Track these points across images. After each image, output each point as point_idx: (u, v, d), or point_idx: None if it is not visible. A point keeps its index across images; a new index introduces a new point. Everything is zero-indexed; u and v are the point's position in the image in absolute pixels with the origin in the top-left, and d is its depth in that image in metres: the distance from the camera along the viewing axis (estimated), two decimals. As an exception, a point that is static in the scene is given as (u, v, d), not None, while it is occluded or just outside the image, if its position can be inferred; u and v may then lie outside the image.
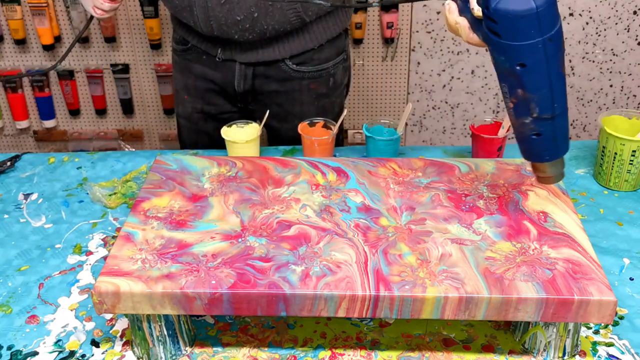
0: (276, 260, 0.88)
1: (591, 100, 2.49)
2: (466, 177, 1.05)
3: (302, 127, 1.29)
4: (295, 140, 1.44)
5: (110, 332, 0.97)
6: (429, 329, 0.96)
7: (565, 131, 0.88)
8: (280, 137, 1.50)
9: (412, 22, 2.33)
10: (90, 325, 0.99)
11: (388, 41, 2.34)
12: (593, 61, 2.41)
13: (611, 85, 2.46)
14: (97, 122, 2.53)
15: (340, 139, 1.59)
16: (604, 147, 1.23)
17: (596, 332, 0.95)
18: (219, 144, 1.39)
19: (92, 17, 1.30)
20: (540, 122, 0.85)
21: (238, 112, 1.51)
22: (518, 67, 0.81)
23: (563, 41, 0.81)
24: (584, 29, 2.34)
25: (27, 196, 1.28)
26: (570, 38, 2.36)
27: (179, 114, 1.56)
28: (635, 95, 2.49)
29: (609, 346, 0.93)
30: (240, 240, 0.92)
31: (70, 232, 1.18)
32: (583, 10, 2.31)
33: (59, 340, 0.96)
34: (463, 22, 0.89)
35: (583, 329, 0.95)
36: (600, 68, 2.42)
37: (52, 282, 1.07)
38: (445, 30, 2.35)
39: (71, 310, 1.01)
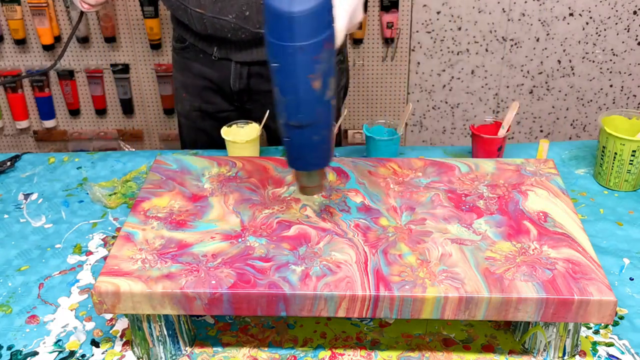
0: (276, 260, 0.88)
1: (591, 100, 2.49)
2: (466, 177, 1.05)
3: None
4: None
5: (110, 332, 0.97)
6: (429, 329, 0.96)
7: (316, 146, 0.85)
8: (276, 136, 1.50)
9: (412, 22, 2.33)
10: (90, 325, 0.99)
11: (388, 41, 2.34)
12: (593, 61, 2.41)
13: (611, 85, 2.46)
14: (97, 122, 2.53)
15: (339, 140, 1.59)
16: (604, 147, 1.23)
17: (596, 332, 0.95)
18: (218, 142, 1.39)
19: (82, 12, 1.30)
20: (288, 128, 0.84)
21: (235, 110, 1.51)
22: (273, 65, 0.80)
23: (324, 62, 0.79)
24: (584, 29, 2.34)
25: (27, 196, 1.28)
26: (570, 38, 2.36)
27: (179, 112, 1.57)
28: (635, 95, 2.49)
29: (609, 346, 0.93)
30: (240, 240, 0.92)
31: (70, 232, 1.18)
32: (583, 10, 2.31)
33: (59, 340, 0.96)
34: None
35: (583, 329, 0.95)
36: (600, 68, 2.42)
37: (52, 282, 1.06)
38: (446, 31, 2.35)
39: (71, 310, 1.01)
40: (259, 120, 1.32)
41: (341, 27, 0.85)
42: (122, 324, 0.98)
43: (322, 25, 0.78)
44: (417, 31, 2.36)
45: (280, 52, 0.78)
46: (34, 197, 1.27)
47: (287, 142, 0.86)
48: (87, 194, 1.28)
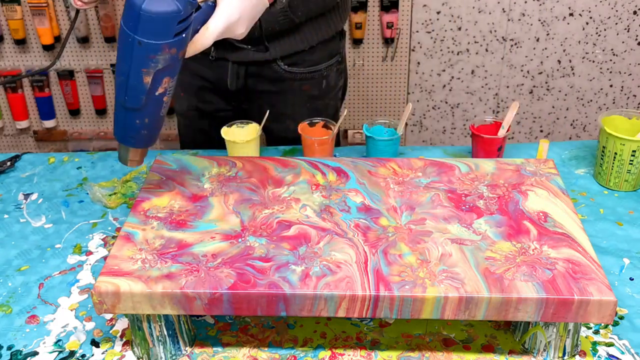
0: (276, 260, 0.88)
1: (591, 100, 2.49)
2: (466, 177, 1.05)
3: (302, 127, 1.29)
4: (287, 140, 1.44)
5: (110, 332, 0.97)
6: (429, 329, 0.96)
7: (136, 128, 0.91)
8: (273, 137, 1.50)
9: (412, 22, 2.33)
10: (90, 325, 0.99)
11: (388, 41, 2.34)
12: (593, 61, 2.41)
13: (611, 85, 2.46)
14: (97, 122, 2.53)
15: (338, 140, 1.59)
16: (604, 147, 1.23)
17: (596, 332, 0.95)
18: (216, 142, 1.39)
19: (77, 10, 1.30)
20: (117, 103, 0.90)
21: (232, 110, 1.51)
22: (118, 45, 0.86)
23: (159, 62, 0.84)
24: (584, 29, 2.34)
25: (27, 196, 1.28)
26: (570, 38, 2.36)
27: (177, 111, 1.57)
28: (635, 95, 2.49)
29: (609, 346, 0.93)
30: (240, 240, 0.92)
31: (70, 232, 1.18)
32: (583, 10, 2.31)
33: (59, 340, 0.96)
34: None
35: (583, 329, 0.95)
36: (600, 68, 2.42)
37: (52, 282, 1.06)
38: (446, 31, 2.35)
39: (71, 310, 1.01)
40: (256, 120, 1.32)
41: (213, 31, 0.90)
42: (122, 324, 0.98)
43: (166, 33, 0.83)
44: (417, 31, 2.36)
45: (123, 37, 0.84)
46: (34, 197, 1.27)
47: (115, 114, 0.93)
48: (87, 194, 1.28)
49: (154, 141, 0.96)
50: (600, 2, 2.29)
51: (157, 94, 0.88)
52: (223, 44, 1.37)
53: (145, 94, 0.87)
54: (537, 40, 2.37)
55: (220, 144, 1.34)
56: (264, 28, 1.31)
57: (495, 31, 2.35)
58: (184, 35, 0.85)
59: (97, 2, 1.29)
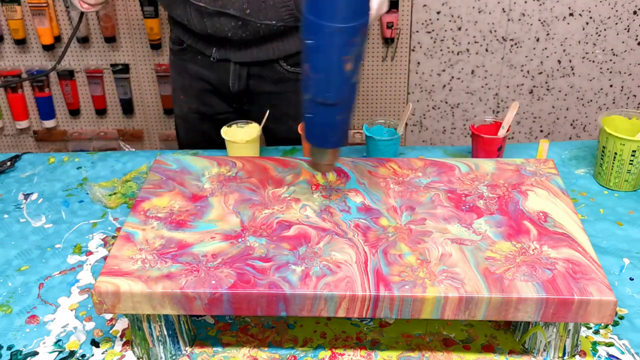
0: (276, 260, 0.88)
1: (591, 100, 2.49)
2: (466, 177, 1.05)
3: (302, 127, 1.29)
4: (290, 141, 1.44)
5: (110, 332, 0.97)
6: (429, 329, 0.96)
7: (336, 125, 0.89)
8: (275, 138, 1.50)
9: (412, 22, 2.33)
10: (90, 325, 0.99)
11: (388, 41, 2.34)
12: (593, 61, 2.41)
13: (611, 85, 2.46)
14: (97, 122, 2.53)
15: None
16: (604, 147, 1.23)
17: (596, 332, 0.95)
18: (216, 144, 1.38)
19: (82, 12, 1.30)
20: (313, 105, 0.87)
21: (234, 112, 1.50)
22: (307, 41, 0.83)
23: (358, 45, 0.83)
24: (584, 29, 2.34)
25: (27, 196, 1.28)
26: (570, 38, 2.36)
27: (176, 114, 1.56)
28: (635, 95, 2.49)
29: (609, 346, 0.93)
30: (240, 240, 0.92)
31: (70, 232, 1.18)
32: (583, 10, 2.31)
33: (59, 340, 0.96)
34: None
35: (583, 329, 0.95)
36: (600, 68, 2.42)
37: (52, 282, 1.06)
38: (446, 31, 2.35)
39: (71, 310, 1.01)
40: (258, 122, 1.32)
41: (372, 16, 0.90)
42: (122, 324, 0.98)
43: (362, 11, 0.81)
44: (417, 31, 2.36)
45: (318, 31, 0.81)
46: (34, 197, 1.27)
47: (309, 119, 0.89)
48: (87, 194, 1.28)
49: (348, 138, 0.93)
50: (600, 2, 2.29)
51: (354, 81, 0.86)
52: (225, 44, 1.37)
53: (347, 82, 0.85)
54: (537, 40, 2.37)
55: (220, 146, 1.34)
56: (269, 27, 1.31)
57: (495, 31, 2.35)
58: (369, 10, 0.83)
59: (102, 4, 1.29)
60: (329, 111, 0.87)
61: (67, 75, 2.40)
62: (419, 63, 2.42)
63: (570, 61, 2.41)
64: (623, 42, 2.37)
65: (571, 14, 2.32)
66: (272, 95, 1.44)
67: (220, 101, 1.48)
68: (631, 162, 1.20)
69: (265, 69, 1.40)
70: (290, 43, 1.36)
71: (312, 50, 0.83)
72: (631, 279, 1.04)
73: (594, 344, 0.93)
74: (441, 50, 2.39)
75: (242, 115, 1.50)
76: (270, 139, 1.52)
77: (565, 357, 0.91)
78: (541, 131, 2.56)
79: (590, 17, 2.32)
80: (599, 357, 0.91)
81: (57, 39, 2.33)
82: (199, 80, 1.45)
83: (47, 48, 2.31)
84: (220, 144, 1.32)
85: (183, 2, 1.30)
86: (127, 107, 2.47)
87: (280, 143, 1.48)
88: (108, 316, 1.00)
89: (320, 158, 0.94)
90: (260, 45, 1.36)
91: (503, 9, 2.31)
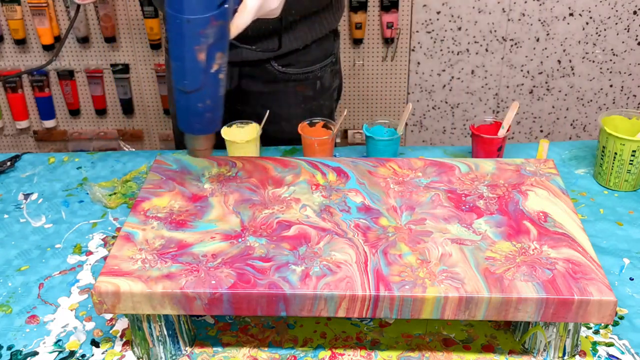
0: (276, 260, 0.88)
1: (591, 100, 2.49)
2: (466, 177, 1.05)
3: (302, 127, 1.29)
4: (282, 142, 1.44)
5: (110, 332, 0.97)
6: (429, 329, 0.96)
7: (200, 112, 0.94)
8: (268, 138, 1.50)
9: (412, 22, 2.33)
10: (90, 325, 0.99)
11: (388, 41, 2.34)
12: (593, 61, 2.41)
13: (611, 85, 2.46)
14: (97, 122, 2.53)
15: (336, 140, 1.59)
16: (604, 147, 1.23)
17: (596, 332, 0.95)
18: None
19: (78, 5, 1.29)
20: (177, 91, 0.93)
21: (226, 112, 1.50)
22: (167, 32, 0.90)
23: (209, 37, 0.87)
24: (584, 29, 2.34)
25: (27, 196, 1.28)
26: (570, 38, 2.36)
27: (172, 114, 1.57)
28: (635, 95, 2.49)
29: (609, 346, 0.93)
30: (240, 240, 0.92)
31: (70, 232, 1.18)
32: (583, 10, 2.31)
33: (59, 340, 0.96)
34: None
35: (583, 329, 0.95)
36: (600, 68, 2.42)
37: (52, 282, 1.07)
38: (446, 31, 2.35)
39: (71, 310, 1.01)
40: (251, 121, 1.32)
41: (251, 9, 0.93)
42: (122, 324, 0.98)
43: (211, 5, 0.86)
44: (417, 31, 2.36)
45: (172, 22, 0.87)
46: (34, 197, 1.27)
47: (177, 106, 0.94)
48: (87, 194, 1.28)
49: (218, 125, 0.97)
50: (600, 2, 2.29)
51: (212, 71, 0.91)
52: None
53: (202, 72, 0.90)
54: (537, 40, 2.37)
55: (216, 146, 1.33)
56: (257, 27, 1.31)
57: (495, 31, 2.35)
58: (226, 5, 0.88)
59: None
60: (189, 98, 0.92)
61: (67, 75, 2.40)
62: (419, 63, 2.42)
63: (570, 61, 2.41)
64: (623, 42, 2.37)
65: (571, 14, 2.32)
66: (264, 96, 1.43)
67: None
68: (631, 162, 1.20)
69: (257, 69, 1.40)
70: (277, 43, 1.35)
71: (169, 40, 0.89)
72: (631, 279, 1.04)
73: (594, 344, 0.93)
74: (441, 50, 2.39)
75: (234, 114, 1.49)
76: (262, 139, 1.52)
77: (565, 357, 0.91)
78: (541, 131, 2.56)
79: (590, 17, 2.32)
80: (599, 357, 0.91)
81: (57, 39, 2.33)
82: None
83: (47, 48, 2.31)
84: (215, 143, 1.32)
85: None
86: (127, 107, 2.47)
87: (272, 143, 1.47)
88: (108, 316, 1.00)
89: (193, 144, 0.98)
90: (248, 45, 1.35)
91: (503, 9, 2.31)
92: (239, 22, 0.94)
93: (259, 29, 1.31)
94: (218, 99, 0.95)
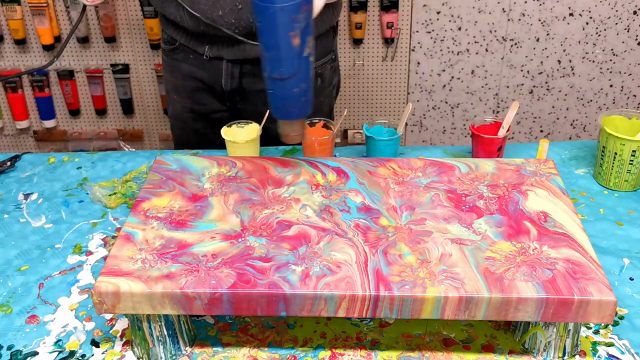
0: (276, 260, 0.88)
1: (591, 100, 2.49)
2: (466, 177, 1.05)
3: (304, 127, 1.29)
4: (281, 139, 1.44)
5: (110, 332, 0.97)
6: (429, 329, 0.96)
7: (296, 97, 0.98)
8: (268, 136, 1.50)
9: (412, 22, 2.33)
10: (90, 325, 0.99)
11: (388, 41, 2.34)
12: (593, 61, 2.41)
13: (611, 85, 2.46)
14: (97, 122, 2.53)
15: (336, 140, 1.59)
16: (604, 147, 1.23)
17: (596, 332, 0.95)
18: (211, 142, 1.38)
19: (85, 6, 1.30)
20: (271, 80, 0.97)
21: (227, 111, 1.50)
22: (257, 24, 0.93)
23: (301, 21, 0.92)
24: (584, 29, 2.34)
25: (27, 196, 1.28)
26: (570, 38, 2.36)
27: (170, 114, 1.57)
28: (635, 95, 2.49)
29: (609, 346, 0.93)
30: (240, 240, 0.92)
31: (70, 232, 1.18)
32: (583, 10, 2.31)
33: (59, 340, 0.96)
34: None
35: (583, 329, 0.95)
36: (600, 68, 2.42)
37: (52, 282, 1.07)
38: (446, 31, 2.35)
39: (71, 310, 1.01)
40: (252, 119, 1.32)
41: None
42: (122, 324, 0.98)
43: None
44: (417, 31, 2.36)
45: (263, 12, 0.90)
46: (34, 197, 1.27)
47: (270, 94, 0.98)
48: (87, 194, 1.28)
49: (312, 107, 1.01)
50: (600, 2, 2.29)
51: (305, 54, 0.94)
52: (218, 42, 1.37)
53: (297, 57, 0.94)
54: (537, 40, 2.37)
55: (215, 145, 1.33)
56: None
57: (495, 31, 2.35)
58: None
59: None
60: (285, 85, 0.96)
61: (67, 75, 2.40)
62: (419, 63, 2.42)
63: (570, 61, 2.41)
64: (623, 42, 2.37)
65: (571, 14, 2.32)
66: (265, 93, 1.43)
67: (213, 100, 1.48)
68: (631, 162, 1.20)
69: (258, 67, 1.39)
70: None
71: (261, 30, 0.92)
72: (631, 279, 1.04)
73: (594, 344, 0.93)
74: (441, 50, 2.39)
75: (235, 113, 1.49)
76: (262, 137, 1.52)
77: (565, 357, 0.91)
78: (541, 131, 2.56)
79: (590, 17, 2.32)
80: (599, 357, 0.91)
81: (57, 39, 2.33)
82: (192, 79, 1.45)
83: (47, 48, 2.31)
84: (215, 143, 1.32)
85: (175, 0, 1.31)
86: (127, 107, 2.47)
87: (273, 141, 1.47)
88: (108, 316, 1.00)
89: (289, 130, 1.02)
90: (252, 43, 1.36)
91: (503, 9, 2.31)
92: (317, 4, 0.98)
93: None
94: (310, 82, 0.98)
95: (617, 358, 0.91)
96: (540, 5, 2.30)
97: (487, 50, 2.39)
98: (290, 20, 0.90)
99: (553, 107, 2.50)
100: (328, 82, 1.48)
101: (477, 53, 2.40)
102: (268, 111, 1.34)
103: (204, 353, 0.93)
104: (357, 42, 2.34)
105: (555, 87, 2.46)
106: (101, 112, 2.49)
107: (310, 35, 0.94)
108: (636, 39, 2.37)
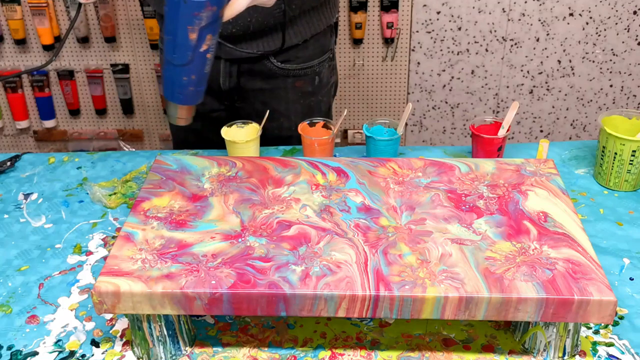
0: (276, 260, 0.88)
1: (591, 100, 2.49)
2: (466, 177, 1.05)
3: (302, 127, 1.29)
4: (281, 139, 1.44)
5: (110, 332, 0.97)
6: (429, 329, 0.96)
7: (182, 84, 0.99)
8: (267, 136, 1.50)
9: (412, 22, 2.33)
10: (90, 325, 0.99)
11: (388, 41, 2.34)
12: (593, 61, 2.41)
13: (611, 85, 2.46)
14: (97, 122, 2.53)
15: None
16: (604, 147, 1.23)
17: (596, 332, 0.95)
18: (209, 142, 1.37)
19: (80, 4, 1.30)
20: (166, 61, 0.98)
21: (225, 110, 1.50)
22: (164, 7, 0.95)
23: (202, 19, 0.93)
24: (584, 29, 2.34)
25: (27, 196, 1.28)
26: (570, 38, 2.36)
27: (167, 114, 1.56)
28: (635, 95, 2.49)
29: (609, 346, 0.93)
30: (240, 240, 0.92)
31: (70, 232, 1.18)
32: (583, 10, 2.31)
33: (59, 340, 0.96)
34: None
35: (583, 329, 0.95)
36: (600, 68, 2.42)
37: (52, 282, 1.07)
38: (446, 31, 2.35)
39: (71, 310, 1.01)
40: (250, 119, 1.32)
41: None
42: (122, 324, 0.98)
43: None
44: (417, 31, 2.36)
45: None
46: (34, 197, 1.27)
47: (163, 74, 1.01)
48: (87, 194, 1.28)
49: (199, 99, 1.02)
50: (600, 2, 2.29)
51: (201, 50, 0.96)
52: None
53: (191, 50, 0.95)
54: (537, 40, 2.37)
55: (213, 144, 1.33)
56: (259, 22, 1.31)
57: (495, 31, 2.35)
58: None
59: None
60: (176, 70, 0.97)
61: (67, 75, 2.40)
62: (419, 63, 2.42)
63: (570, 61, 2.41)
64: (623, 42, 2.37)
65: (571, 14, 2.32)
66: (263, 92, 1.44)
67: (211, 99, 1.48)
68: (631, 162, 1.20)
69: (256, 66, 1.40)
70: (279, 38, 1.35)
71: (165, 14, 0.94)
72: (631, 279, 1.04)
73: (594, 344, 0.93)
74: (441, 50, 2.39)
75: (234, 112, 1.49)
76: (267, 136, 1.52)
77: (565, 357, 0.91)
78: (541, 131, 2.56)
79: (590, 17, 2.32)
80: (599, 357, 0.91)
81: (57, 39, 2.33)
82: None
83: (47, 48, 2.31)
84: (213, 142, 1.32)
85: None
86: (127, 107, 2.47)
87: (271, 140, 1.47)
88: (108, 316, 1.00)
89: (173, 112, 1.03)
90: (250, 41, 1.36)
91: (503, 9, 2.31)
92: (235, 7, 0.98)
93: (262, 24, 1.31)
94: (203, 76, 0.99)
95: (617, 358, 0.91)
96: (540, 5, 2.30)
97: (487, 50, 2.39)
98: (191, 15, 0.92)
99: (553, 107, 2.50)
100: (326, 80, 1.48)
101: (477, 53, 2.40)
102: (268, 111, 1.34)
103: (204, 353, 0.93)
104: (357, 42, 2.34)
105: (555, 87, 2.46)
106: (101, 112, 2.49)
107: (211, 34, 0.96)
108: (636, 39, 2.37)
